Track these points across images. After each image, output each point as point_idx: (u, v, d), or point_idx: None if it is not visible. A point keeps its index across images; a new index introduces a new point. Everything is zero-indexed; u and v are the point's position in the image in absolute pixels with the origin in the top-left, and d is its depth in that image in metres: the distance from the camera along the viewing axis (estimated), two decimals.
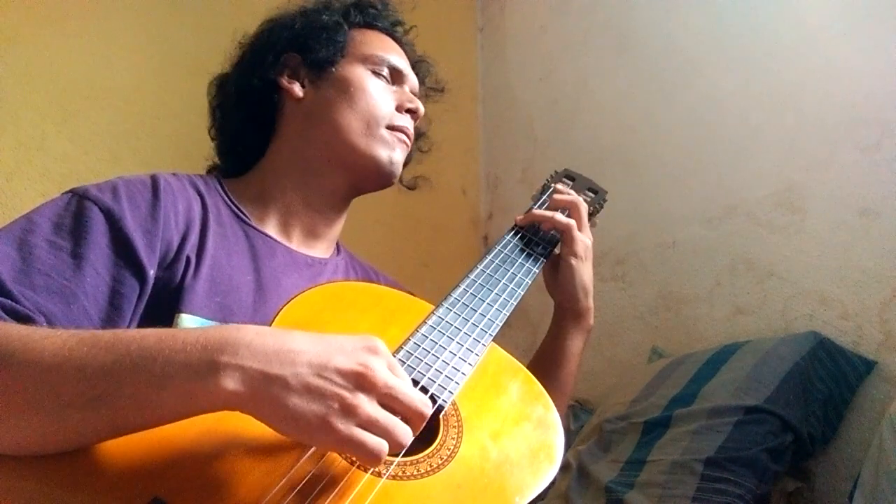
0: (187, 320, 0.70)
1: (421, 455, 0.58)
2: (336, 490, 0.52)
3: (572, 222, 0.90)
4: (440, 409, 0.62)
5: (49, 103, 1.39)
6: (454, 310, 0.74)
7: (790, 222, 1.36)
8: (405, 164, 1.03)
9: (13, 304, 0.59)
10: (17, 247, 0.64)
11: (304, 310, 0.68)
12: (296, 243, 0.88)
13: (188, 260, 0.73)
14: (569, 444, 1.12)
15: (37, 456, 0.50)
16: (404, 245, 1.94)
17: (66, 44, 1.42)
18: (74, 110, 1.41)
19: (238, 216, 0.85)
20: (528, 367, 0.93)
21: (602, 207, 1.04)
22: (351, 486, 0.53)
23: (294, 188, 0.88)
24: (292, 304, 0.68)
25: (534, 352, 0.96)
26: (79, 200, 0.70)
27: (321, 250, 0.92)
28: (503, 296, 0.79)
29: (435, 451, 0.60)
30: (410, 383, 0.55)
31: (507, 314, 0.78)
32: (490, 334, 0.73)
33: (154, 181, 0.76)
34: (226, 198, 0.86)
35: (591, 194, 1.02)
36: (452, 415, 0.64)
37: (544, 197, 0.97)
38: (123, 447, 0.51)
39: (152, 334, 0.52)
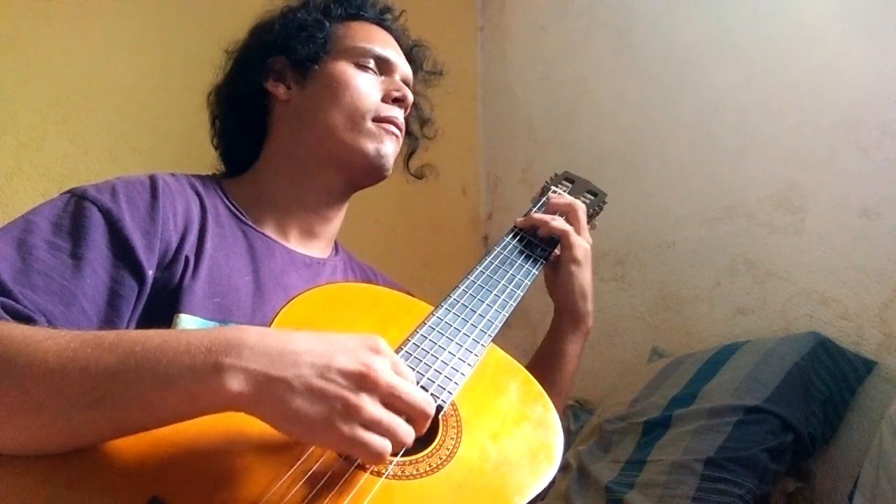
0: (186, 321, 0.70)
1: (420, 455, 0.58)
2: (335, 489, 0.52)
3: (569, 228, 0.90)
4: (439, 409, 0.62)
5: (49, 103, 1.39)
6: (453, 310, 0.74)
7: (790, 222, 1.36)
8: (411, 154, 1.03)
9: (14, 304, 0.59)
10: (16, 247, 0.64)
11: (303, 311, 0.68)
12: (293, 243, 0.88)
13: (187, 260, 0.73)
14: (569, 444, 1.12)
15: (37, 455, 0.50)
16: (404, 245, 1.94)
17: (66, 44, 1.42)
18: (74, 110, 1.42)
19: (236, 216, 0.85)
20: (526, 369, 0.94)
21: (601, 210, 1.04)
22: (350, 486, 0.53)
23: (288, 188, 0.88)
24: (291, 305, 0.68)
25: (534, 352, 0.96)
26: (77, 201, 0.70)
27: (319, 250, 0.92)
28: (502, 297, 0.79)
29: (434, 451, 0.60)
30: (414, 382, 0.55)
31: (507, 315, 0.78)
32: (489, 335, 0.73)
33: (153, 181, 0.76)
34: (224, 198, 0.86)
35: (590, 196, 1.02)
36: (451, 415, 0.64)
37: (543, 199, 0.97)
38: (123, 446, 0.51)
39: (156, 335, 0.52)
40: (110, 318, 0.66)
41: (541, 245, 0.90)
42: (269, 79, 0.90)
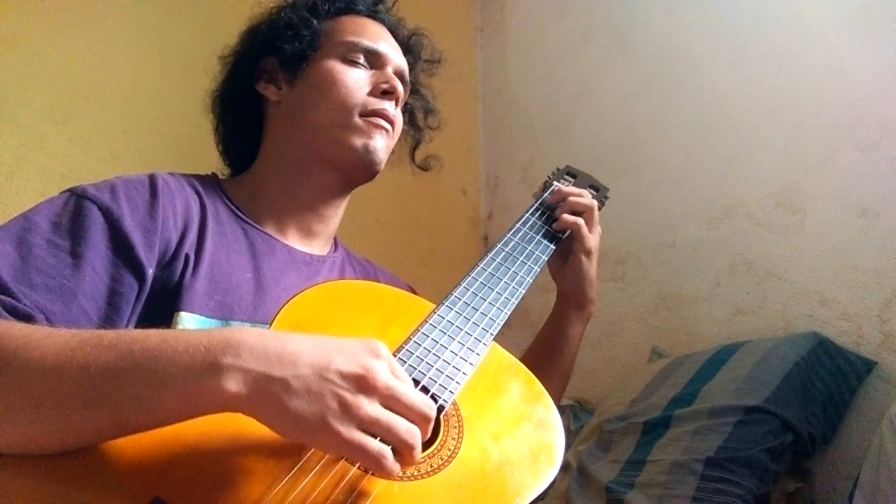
0: (187, 319, 0.70)
1: (422, 456, 0.58)
2: (337, 491, 0.52)
3: (581, 221, 0.91)
4: (441, 408, 0.62)
5: (49, 103, 1.39)
6: (455, 308, 0.74)
7: (790, 222, 1.36)
8: (416, 146, 1.03)
9: (14, 302, 0.59)
10: (15, 245, 0.64)
11: (303, 309, 0.68)
12: (293, 241, 0.88)
13: (187, 258, 0.73)
14: (569, 444, 1.12)
15: (37, 455, 0.50)
16: (404, 245, 1.94)
17: (66, 44, 1.41)
18: (74, 110, 1.41)
19: (236, 214, 0.85)
20: (526, 353, 0.95)
21: (604, 204, 1.04)
22: (352, 487, 0.53)
23: (285, 188, 0.88)
24: (292, 304, 0.68)
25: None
26: (77, 199, 0.70)
27: (318, 247, 0.92)
28: (504, 294, 0.79)
29: (435, 451, 0.60)
30: (412, 385, 0.55)
31: (509, 313, 0.77)
32: (491, 334, 0.73)
33: (152, 180, 0.76)
34: (224, 197, 0.86)
35: (592, 191, 1.02)
36: (453, 415, 0.64)
37: (545, 195, 0.97)
38: (124, 447, 0.51)
39: (155, 335, 0.52)
40: (110, 317, 0.66)
41: (550, 232, 0.91)
42: (260, 81, 0.90)
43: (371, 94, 0.87)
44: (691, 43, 1.60)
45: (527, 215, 0.94)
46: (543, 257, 0.88)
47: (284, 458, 0.53)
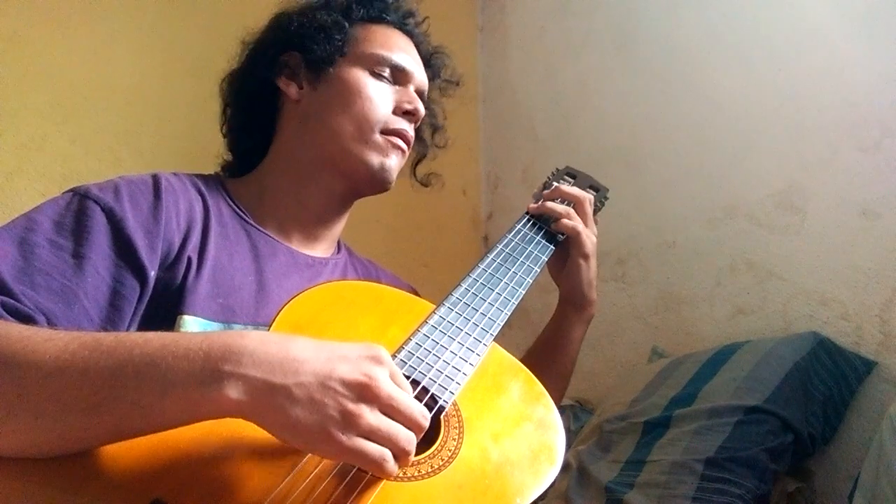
0: (189, 322, 0.70)
1: (422, 456, 0.58)
2: (338, 491, 0.52)
3: (580, 225, 0.91)
4: (441, 409, 0.62)
5: (49, 103, 1.39)
6: (455, 309, 0.74)
7: (790, 222, 1.36)
8: (419, 161, 1.02)
9: (15, 303, 0.59)
10: (17, 245, 0.64)
11: (304, 310, 0.68)
12: (296, 244, 0.88)
13: (189, 260, 0.73)
14: (569, 444, 1.12)
15: (36, 458, 0.50)
16: (405, 245, 1.94)
17: (66, 44, 1.41)
18: (74, 110, 1.41)
19: (240, 216, 0.84)
20: (527, 354, 0.95)
21: (603, 205, 1.04)
22: (352, 488, 0.53)
23: (291, 191, 0.88)
24: (292, 305, 0.67)
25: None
26: (80, 200, 0.70)
27: (321, 250, 0.91)
28: (504, 295, 0.79)
29: (436, 452, 0.60)
30: (412, 393, 0.55)
31: (509, 314, 0.78)
32: (491, 334, 0.73)
33: (155, 181, 0.76)
34: (227, 198, 0.85)
35: (592, 192, 1.02)
36: (453, 415, 0.64)
37: (546, 194, 0.98)
38: (124, 449, 0.51)
39: (155, 339, 0.51)
40: (112, 318, 0.66)
41: (549, 233, 0.91)
42: (281, 75, 0.88)
43: (394, 112, 0.87)
44: (692, 43, 1.60)
45: (527, 216, 0.94)
46: (543, 258, 0.88)
47: (285, 459, 0.53)
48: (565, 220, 0.91)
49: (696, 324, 1.49)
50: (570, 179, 1.04)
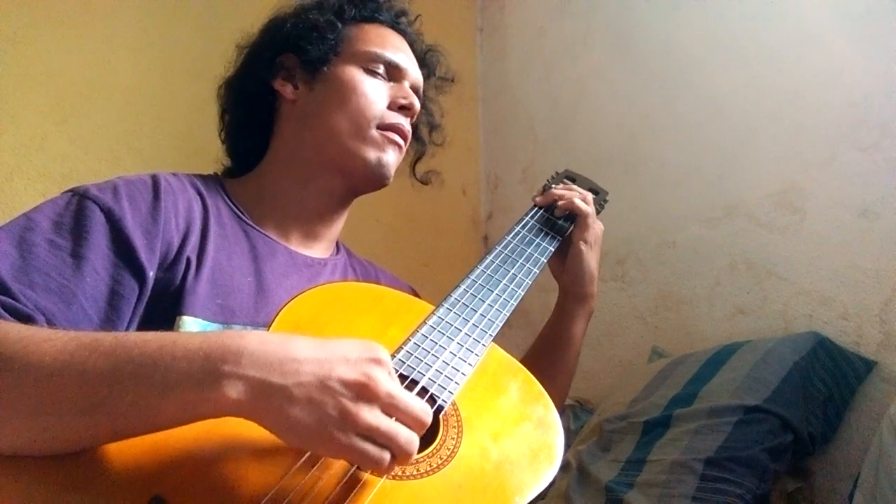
0: (188, 322, 0.70)
1: (421, 455, 0.58)
2: (336, 490, 0.52)
3: (589, 209, 0.92)
4: (440, 409, 0.62)
5: (49, 103, 1.39)
6: (454, 310, 0.74)
7: (790, 222, 1.36)
8: (418, 159, 1.03)
9: (14, 302, 0.59)
10: (16, 245, 0.64)
11: (303, 310, 0.68)
12: (295, 244, 0.88)
13: (189, 261, 0.73)
14: (569, 444, 1.12)
15: (35, 457, 0.49)
16: (405, 245, 1.94)
17: (66, 44, 1.41)
18: (74, 110, 1.41)
19: (238, 216, 0.84)
20: (527, 354, 0.95)
21: (603, 208, 1.04)
22: (351, 487, 0.53)
23: (290, 190, 0.88)
24: (291, 305, 0.68)
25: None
26: (79, 200, 0.70)
27: (320, 251, 0.91)
28: (503, 296, 0.79)
29: (435, 451, 0.60)
30: (411, 392, 0.56)
31: (508, 314, 0.78)
32: (490, 334, 0.73)
33: (155, 181, 0.76)
34: (226, 198, 0.86)
35: (591, 195, 1.03)
36: (452, 415, 0.64)
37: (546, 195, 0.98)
38: (124, 447, 0.51)
39: (153, 340, 0.51)
40: (111, 318, 0.66)
41: (551, 233, 0.92)
42: (277, 77, 0.89)
43: (389, 107, 0.87)
44: (691, 44, 1.60)
45: (526, 218, 0.94)
46: (542, 259, 0.88)
47: (284, 457, 0.53)
48: (576, 200, 0.92)
49: (695, 324, 1.49)
50: (569, 182, 1.04)
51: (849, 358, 1.20)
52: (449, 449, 0.60)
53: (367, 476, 0.54)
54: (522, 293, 0.81)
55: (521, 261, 0.86)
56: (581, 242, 0.92)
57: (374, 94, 0.87)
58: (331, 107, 0.86)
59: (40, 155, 1.37)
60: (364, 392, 0.50)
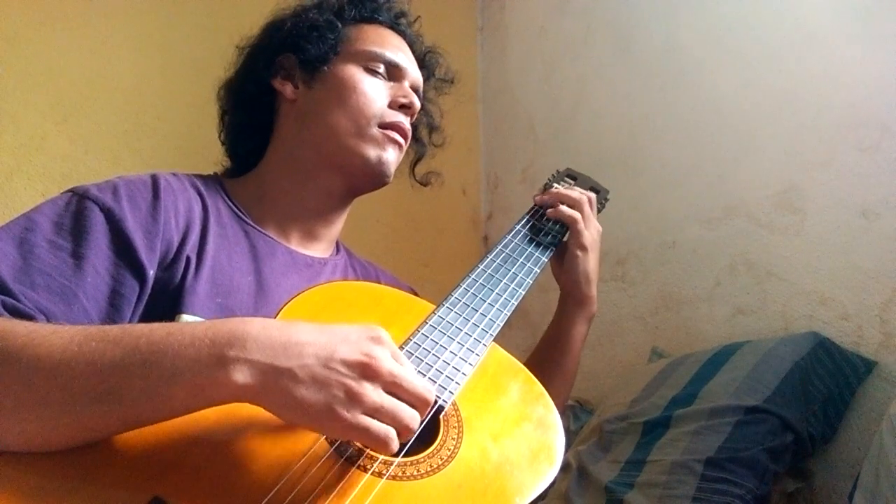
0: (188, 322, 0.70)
1: (421, 455, 0.58)
2: (336, 490, 0.52)
3: (578, 215, 0.92)
4: (441, 409, 0.62)
5: (49, 103, 1.39)
6: (455, 309, 0.74)
7: (790, 223, 1.36)
8: (418, 160, 1.03)
9: (15, 302, 0.59)
10: (17, 245, 0.64)
11: (303, 309, 0.68)
12: (295, 244, 0.88)
13: (188, 260, 0.73)
14: (569, 445, 1.12)
15: (39, 453, 0.50)
16: (405, 245, 1.94)
17: (66, 44, 1.41)
18: (74, 110, 1.41)
19: (238, 216, 0.85)
20: (531, 357, 0.95)
21: (604, 206, 1.04)
22: (351, 487, 0.53)
23: (290, 189, 0.88)
24: (292, 305, 0.68)
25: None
26: (79, 200, 0.70)
27: (320, 250, 0.92)
28: (504, 295, 0.79)
29: (435, 451, 0.60)
30: (414, 370, 0.56)
31: (509, 314, 0.78)
32: (491, 334, 0.73)
33: (154, 181, 0.76)
34: (226, 198, 0.86)
35: (592, 193, 1.03)
36: (453, 415, 0.64)
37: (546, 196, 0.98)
38: (123, 446, 0.51)
39: (160, 328, 0.52)
40: (111, 318, 0.66)
41: (550, 233, 0.92)
42: (277, 77, 0.89)
43: (389, 106, 0.88)
44: (692, 44, 1.60)
45: (527, 217, 0.94)
46: (543, 258, 0.88)
47: (285, 458, 0.53)
48: (563, 208, 0.92)
49: (695, 324, 1.49)
50: (570, 181, 1.04)
51: (849, 358, 1.20)
52: (449, 449, 0.60)
53: (367, 476, 0.54)
54: (523, 293, 0.81)
55: (521, 260, 0.86)
56: (575, 249, 0.92)
57: (374, 92, 0.87)
58: (331, 105, 0.86)
59: (40, 155, 1.37)
60: (366, 371, 0.52)
